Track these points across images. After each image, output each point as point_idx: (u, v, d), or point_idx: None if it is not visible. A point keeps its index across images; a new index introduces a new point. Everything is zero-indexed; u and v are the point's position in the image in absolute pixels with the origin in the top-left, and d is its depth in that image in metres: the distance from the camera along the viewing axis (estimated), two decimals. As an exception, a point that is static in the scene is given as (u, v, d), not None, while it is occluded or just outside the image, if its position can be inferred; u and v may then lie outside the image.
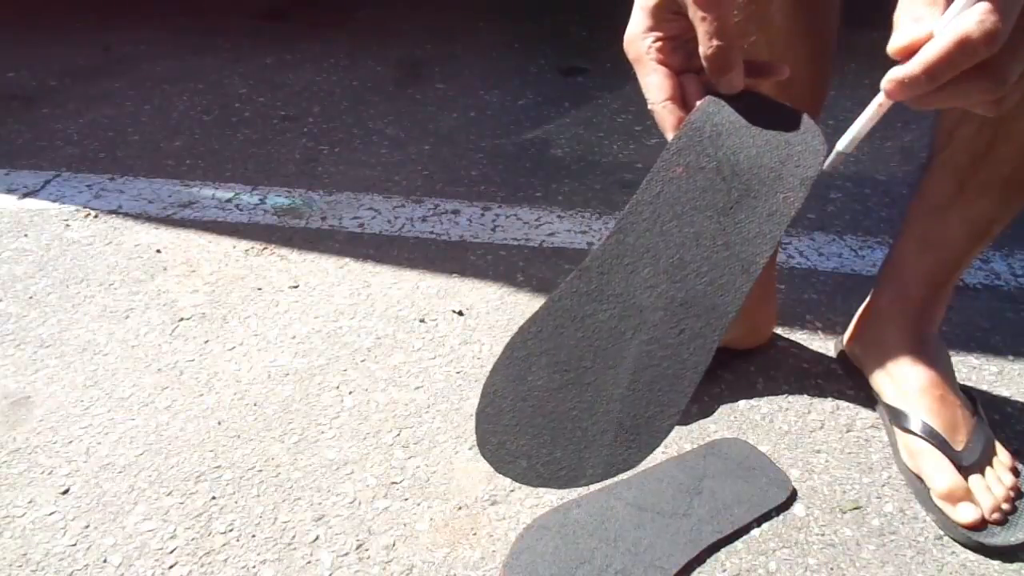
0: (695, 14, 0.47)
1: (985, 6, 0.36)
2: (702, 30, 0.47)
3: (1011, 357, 0.98)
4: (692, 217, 0.49)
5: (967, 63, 0.37)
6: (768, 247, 0.48)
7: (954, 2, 0.38)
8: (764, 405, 0.91)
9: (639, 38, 0.51)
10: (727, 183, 0.50)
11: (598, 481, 0.48)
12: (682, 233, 0.49)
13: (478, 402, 0.49)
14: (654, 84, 0.51)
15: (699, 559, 0.74)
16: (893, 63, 0.41)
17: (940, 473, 0.78)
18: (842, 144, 0.47)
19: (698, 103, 0.51)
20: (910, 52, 0.39)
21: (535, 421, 0.48)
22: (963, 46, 0.36)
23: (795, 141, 0.50)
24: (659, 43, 0.51)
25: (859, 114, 0.45)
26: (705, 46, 0.47)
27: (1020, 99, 0.68)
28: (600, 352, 0.49)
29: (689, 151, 0.50)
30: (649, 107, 0.52)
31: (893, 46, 0.39)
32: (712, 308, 0.48)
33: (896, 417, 0.83)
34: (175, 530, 0.77)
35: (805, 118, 0.50)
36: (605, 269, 0.49)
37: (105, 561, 0.74)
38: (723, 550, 0.75)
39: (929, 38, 0.38)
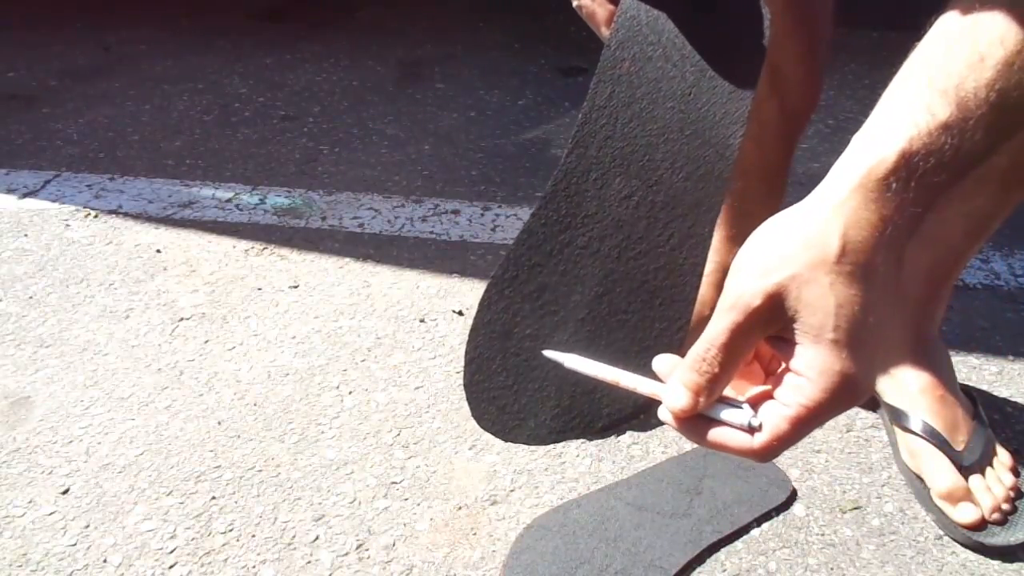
0: None
1: (769, 437, 0.39)
2: None
3: (1011, 357, 0.98)
4: (652, 112, 0.45)
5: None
6: (739, 126, 0.44)
7: (733, 412, 0.39)
8: (764, 405, 0.91)
9: None
10: (679, 68, 0.45)
11: (627, 414, 0.43)
12: (646, 131, 0.44)
13: (463, 373, 0.44)
14: None
15: (699, 559, 0.74)
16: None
17: (940, 473, 0.78)
18: (575, 363, 0.41)
19: None
20: (685, 416, 0.40)
21: (533, 375, 0.43)
22: (742, 452, 0.40)
23: (738, 10, 0.46)
24: None
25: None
26: None
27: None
28: (587, 281, 0.43)
29: (631, 43, 0.46)
30: (576, 5, 0.50)
31: (672, 406, 0.39)
32: (697, 203, 0.43)
33: (896, 416, 0.83)
34: (175, 530, 0.77)
35: None
36: (572, 191, 0.44)
37: (105, 561, 0.74)
38: (723, 550, 0.75)
39: (700, 405, 0.39)
